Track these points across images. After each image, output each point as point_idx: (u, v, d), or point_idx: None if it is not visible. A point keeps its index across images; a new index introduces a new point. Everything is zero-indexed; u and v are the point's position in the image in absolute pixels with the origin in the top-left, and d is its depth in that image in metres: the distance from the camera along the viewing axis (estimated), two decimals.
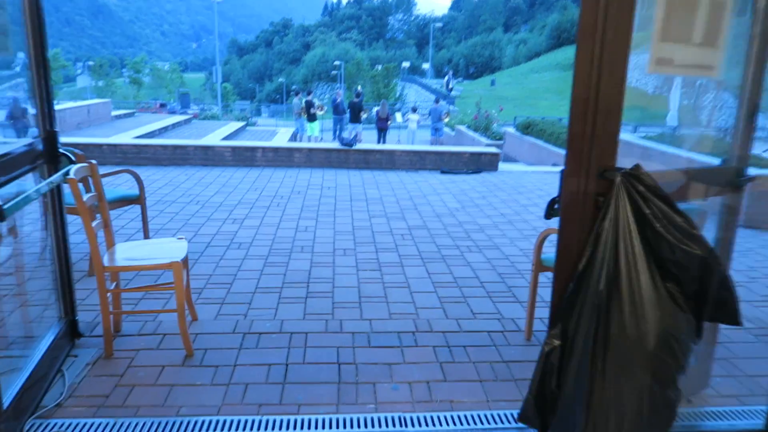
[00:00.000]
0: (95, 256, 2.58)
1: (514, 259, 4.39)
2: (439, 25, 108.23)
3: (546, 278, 3.58)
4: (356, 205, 6.02)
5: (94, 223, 2.74)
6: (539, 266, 3.01)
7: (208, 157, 8.09)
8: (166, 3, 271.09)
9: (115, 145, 7.94)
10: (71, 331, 2.85)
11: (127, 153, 7.89)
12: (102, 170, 4.15)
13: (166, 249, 2.87)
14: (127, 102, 38.84)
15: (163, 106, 37.35)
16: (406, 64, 67.72)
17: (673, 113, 2.49)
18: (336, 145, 8.63)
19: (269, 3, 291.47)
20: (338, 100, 17.36)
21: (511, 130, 17.46)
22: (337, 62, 65.73)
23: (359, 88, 23.22)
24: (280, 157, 8.25)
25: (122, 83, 60.22)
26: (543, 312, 3.37)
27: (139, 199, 4.09)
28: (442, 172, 8.37)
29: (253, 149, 8.22)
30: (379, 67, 51.21)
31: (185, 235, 4.71)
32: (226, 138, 12.19)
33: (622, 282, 1.87)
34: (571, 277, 1.97)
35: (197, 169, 7.89)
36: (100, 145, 7.90)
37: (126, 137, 9.55)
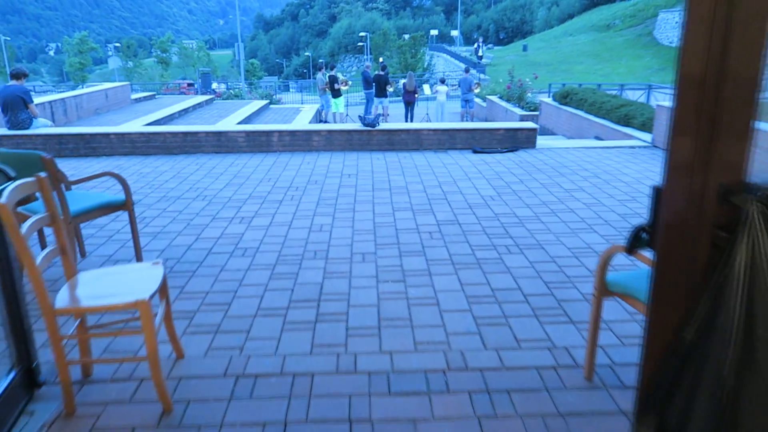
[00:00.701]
0: (41, 298, 2.05)
1: (562, 262, 3.73)
2: None
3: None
4: (378, 196, 5.40)
5: (46, 251, 2.22)
6: (603, 290, 2.36)
7: (221, 143, 7.56)
8: None
9: (123, 134, 7.46)
10: (28, 381, 2.36)
11: (135, 142, 7.40)
12: (87, 171, 3.72)
13: (136, 280, 2.33)
14: (153, 83, 38.78)
15: (190, 85, 37.26)
16: (434, 33, 65.53)
17: None
18: (357, 125, 7.98)
19: None
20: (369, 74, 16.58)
21: (547, 99, 16.40)
22: (362, 33, 64.37)
23: (381, 60, 22.29)
24: (298, 141, 7.65)
25: (151, 63, 60.35)
26: (606, 337, 2.74)
27: (125, 205, 3.57)
28: (474, 151, 7.65)
29: (269, 133, 7.63)
30: (407, 36, 49.66)
31: (186, 240, 4.20)
32: (247, 118, 11.63)
33: (761, 362, 1.22)
34: (674, 348, 1.33)
35: (209, 157, 7.36)
36: (107, 135, 7.44)
37: (135, 125, 9.07)
